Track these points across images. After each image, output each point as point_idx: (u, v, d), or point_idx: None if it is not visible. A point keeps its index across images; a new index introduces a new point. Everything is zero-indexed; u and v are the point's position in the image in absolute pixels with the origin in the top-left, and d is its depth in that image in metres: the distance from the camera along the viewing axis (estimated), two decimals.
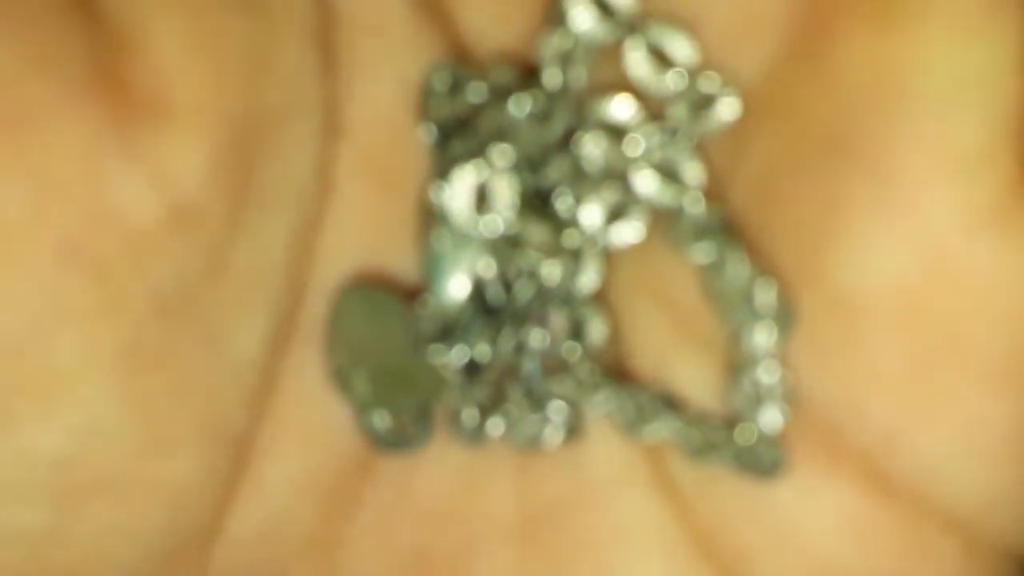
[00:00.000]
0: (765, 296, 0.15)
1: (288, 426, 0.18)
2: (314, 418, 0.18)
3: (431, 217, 0.16)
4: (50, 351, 0.16)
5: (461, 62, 0.16)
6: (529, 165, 0.16)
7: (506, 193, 0.16)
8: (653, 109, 0.16)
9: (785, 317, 0.15)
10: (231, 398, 0.18)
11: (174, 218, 0.16)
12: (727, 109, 0.15)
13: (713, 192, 0.16)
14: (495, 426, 0.17)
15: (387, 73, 0.18)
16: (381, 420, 0.18)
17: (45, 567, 0.17)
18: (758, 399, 0.16)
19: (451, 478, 0.18)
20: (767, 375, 0.15)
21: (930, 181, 0.16)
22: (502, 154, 0.16)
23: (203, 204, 0.17)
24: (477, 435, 0.17)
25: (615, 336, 0.17)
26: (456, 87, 0.16)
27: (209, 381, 0.17)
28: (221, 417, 0.18)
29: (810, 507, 0.17)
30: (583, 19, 0.15)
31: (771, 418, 0.16)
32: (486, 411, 0.17)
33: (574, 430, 0.17)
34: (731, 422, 0.16)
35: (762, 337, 0.16)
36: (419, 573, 0.19)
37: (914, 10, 0.15)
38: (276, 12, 0.17)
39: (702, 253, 0.16)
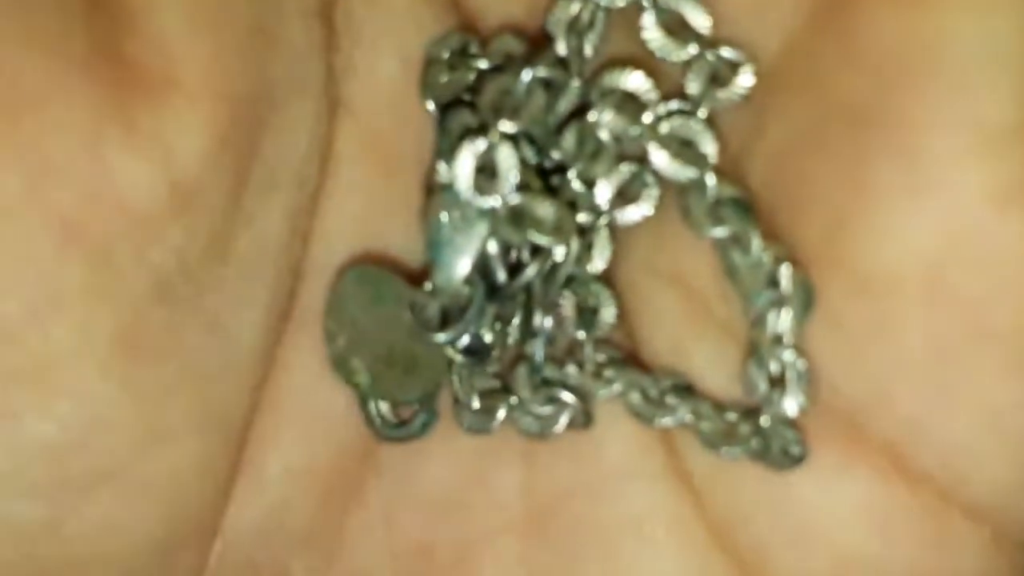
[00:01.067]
0: (784, 277, 0.15)
1: (288, 415, 0.18)
2: (314, 406, 0.18)
3: (435, 194, 0.16)
4: (48, 337, 0.16)
5: (466, 33, 0.16)
6: (537, 139, 0.16)
7: (512, 169, 0.15)
8: (669, 80, 0.15)
9: (805, 299, 0.15)
10: (231, 386, 0.17)
11: (175, 198, 0.16)
12: (744, 80, 0.15)
13: (731, 168, 0.16)
14: (501, 414, 0.17)
15: (390, 48, 0.17)
16: (382, 408, 0.17)
17: (43, 562, 0.17)
18: (777, 385, 0.15)
19: (456, 468, 0.18)
20: (787, 360, 0.15)
21: (957, 158, 0.15)
22: (509, 127, 0.15)
23: (205, 184, 0.17)
24: (482, 423, 0.17)
25: (626, 319, 0.16)
26: (461, 59, 0.16)
27: (209, 369, 0.17)
28: (220, 406, 0.17)
29: (830, 497, 0.17)
30: None
31: (791, 405, 0.15)
32: (492, 398, 0.17)
33: (584, 418, 0.16)
34: (750, 410, 0.15)
35: (781, 320, 0.15)
36: (422, 565, 0.18)
37: None
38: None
39: (718, 232, 0.15)
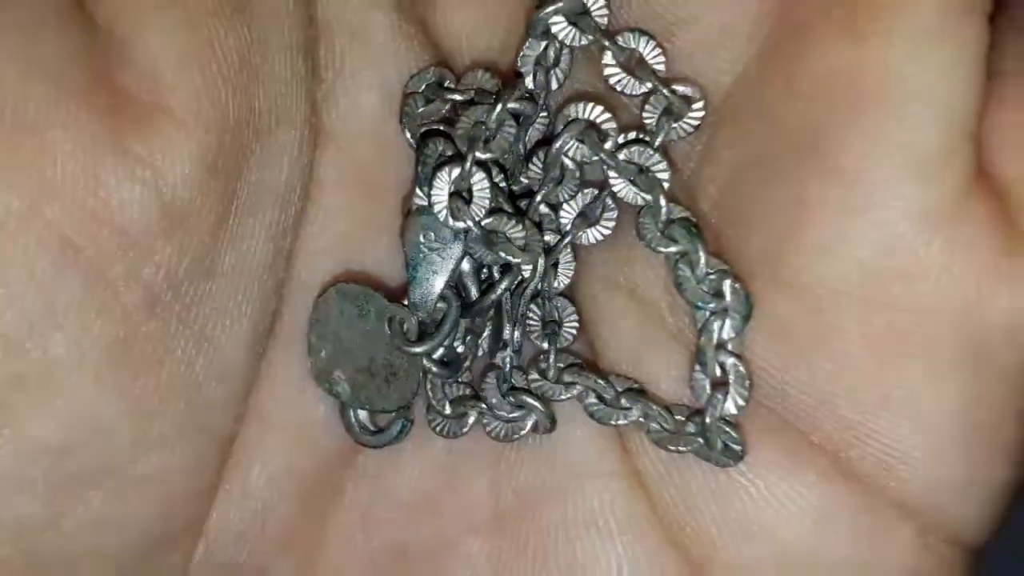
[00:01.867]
0: (727, 290, 0.16)
1: (272, 424, 0.19)
2: (297, 415, 0.19)
3: (413, 217, 0.17)
4: (47, 348, 0.17)
5: (442, 68, 0.17)
6: (507, 166, 0.17)
7: (485, 193, 0.16)
8: (628, 113, 0.16)
9: (746, 310, 0.16)
10: (218, 395, 0.18)
11: (166, 219, 0.17)
12: (696, 113, 0.16)
13: (683, 191, 0.17)
14: (471, 420, 0.17)
15: (370, 80, 0.18)
16: (362, 416, 0.18)
17: (41, 557, 0.18)
18: (720, 387, 0.16)
19: (429, 471, 0.19)
20: (729, 364, 0.16)
21: (890, 181, 0.16)
22: (481, 155, 0.16)
23: (193, 206, 0.17)
24: (454, 428, 0.17)
25: (586, 329, 0.17)
26: (437, 92, 0.16)
27: (197, 378, 0.18)
28: (208, 413, 0.18)
29: (774, 494, 0.18)
30: (559, 27, 0.16)
31: (732, 405, 0.16)
32: (462, 405, 0.17)
33: (547, 423, 0.17)
34: (696, 411, 0.16)
35: (724, 329, 0.16)
36: (397, 565, 0.19)
37: (880, 21, 0.16)
38: (265, 22, 0.17)
39: (669, 249, 0.16)
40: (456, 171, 0.16)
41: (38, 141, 0.17)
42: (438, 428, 0.17)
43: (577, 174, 0.16)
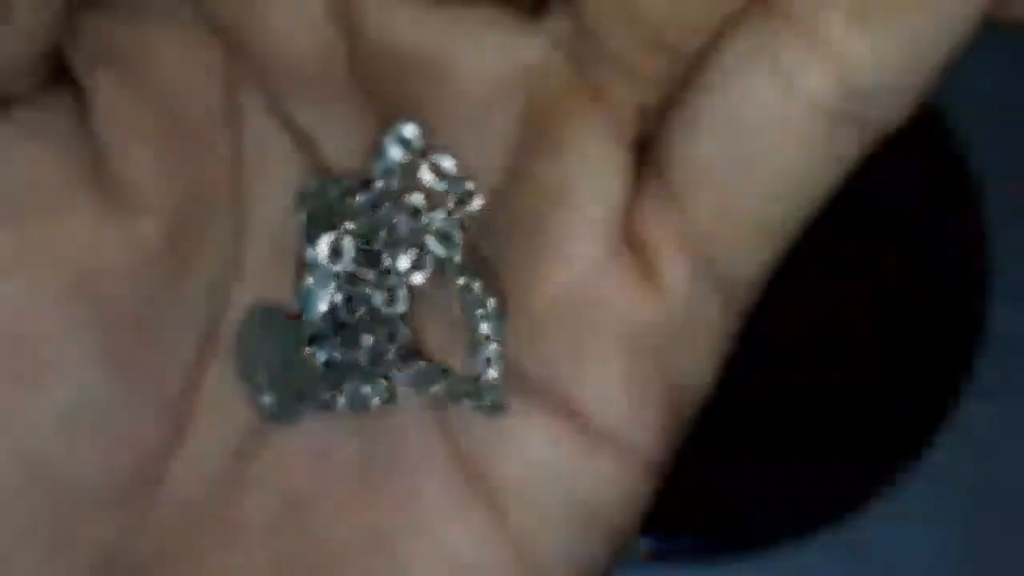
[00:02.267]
0: (490, 305, 0.20)
1: (207, 424, 0.20)
2: (228, 415, 0.21)
3: (304, 267, 0.21)
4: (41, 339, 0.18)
5: (324, 172, 0.21)
6: (365, 234, 0.20)
7: (351, 250, 0.20)
8: (437, 200, 0.20)
9: (501, 315, 0.20)
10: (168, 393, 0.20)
11: (139, 270, 0.19)
12: (478, 200, 0.20)
13: (471, 247, 0.20)
14: (341, 400, 0.21)
15: (279, 183, 0.21)
16: (270, 400, 0.21)
17: (52, 485, 0.18)
18: (487, 364, 0.20)
19: (313, 441, 0.21)
20: (491, 349, 0.20)
21: (575, 236, 0.20)
22: (349, 227, 0.20)
23: (159, 261, 0.19)
24: (330, 404, 0.21)
25: (416, 338, 0.21)
26: (322, 188, 0.20)
27: (160, 375, 0.19)
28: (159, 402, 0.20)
29: (520, 448, 0.20)
30: (395, 151, 0.20)
31: (492, 375, 0.20)
32: (336, 388, 0.21)
33: (390, 396, 0.21)
34: (476, 378, 0.20)
35: (488, 328, 0.20)
36: (297, 517, 0.21)
37: (560, 146, 0.19)
38: (212, 145, 0.19)
39: (459, 283, 0.20)
40: (333, 235, 0.20)
41: (54, 219, 0.18)
42: (320, 406, 0.21)
43: (409, 238, 0.20)
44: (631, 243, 0.20)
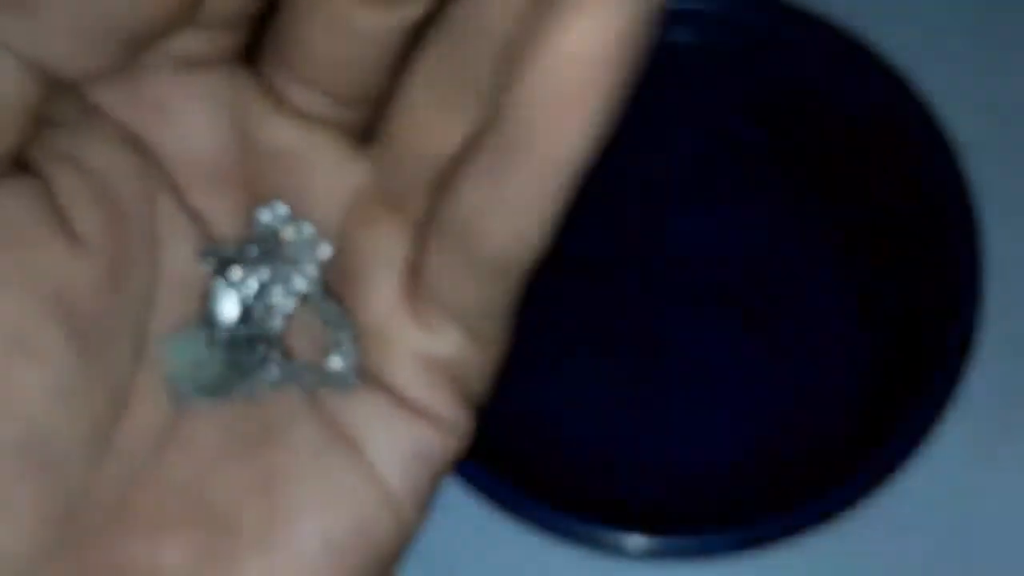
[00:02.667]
0: (341, 320, 0.25)
1: (141, 404, 0.24)
2: (156, 399, 0.24)
3: (210, 295, 0.25)
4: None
5: (217, 243, 0.25)
6: (254, 275, 0.25)
7: (244, 286, 0.25)
8: (299, 251, 0.24)
9: (352, 333, 0.25)
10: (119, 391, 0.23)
11: (93, 289, 0.22)
12: (328, 251, 0.25)
13: (325, 283, 0.25)
14: (239, 388, 0.25)
15: (180, 244, 0.24)
16: (184, 390, 0.24)
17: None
18: (339, 359, 0.24)
19: (218, 418, 0.24)
20: (342, 349, 0.24)
21: (376, 291, 0.24)
22: (242, 272, 0.25)
23: (105, 285, 0.23)
24: (231, 393, 0.25)
25: (289, 345, 0.25)
26: (220, 247, 0.25)
27: (110, 365, 0.23)
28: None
29: (368, 410, 0.24)
30: (266, 217, 0.24)
31: (342, 364, 0.24)
32: (235, 381, 0.25)
33: (274, 385, 0.25)
34: (330, 369, 0.24)
35: (341, 336, 0.24)
36: (208, 473, 0.24)
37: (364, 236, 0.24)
38: (135, 215, 0.23)
39: (320, 306, 0.24)
40: (224, 284, 0.24)
41: (40, 259, 0.22)
42: (233, 392, 0.25)
43: (279, 279, 0.25)
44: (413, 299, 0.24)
